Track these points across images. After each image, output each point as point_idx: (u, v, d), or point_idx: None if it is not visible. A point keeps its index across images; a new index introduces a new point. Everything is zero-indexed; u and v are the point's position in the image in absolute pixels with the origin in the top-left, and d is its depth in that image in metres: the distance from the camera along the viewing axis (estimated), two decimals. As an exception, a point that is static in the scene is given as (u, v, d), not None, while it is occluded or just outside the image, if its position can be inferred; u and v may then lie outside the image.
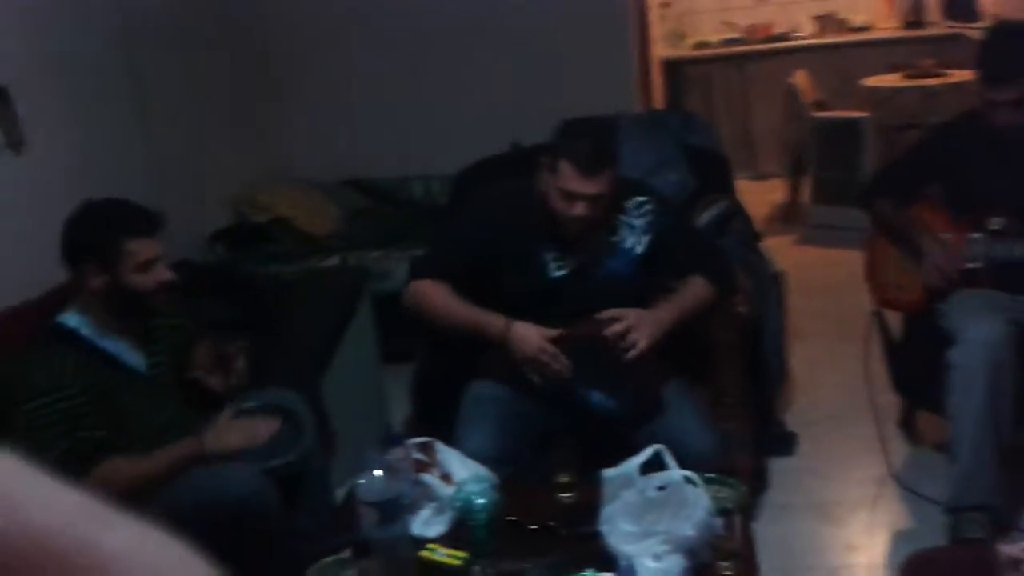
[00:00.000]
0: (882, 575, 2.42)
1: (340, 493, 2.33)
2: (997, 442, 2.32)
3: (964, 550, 1.88)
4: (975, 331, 2.35)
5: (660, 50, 6.16)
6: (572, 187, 2.09)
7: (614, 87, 4.40)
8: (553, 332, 2.11)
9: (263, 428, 2.08)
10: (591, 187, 2.08)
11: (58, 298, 2.16)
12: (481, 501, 1.80)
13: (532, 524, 1.86)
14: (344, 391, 2.81)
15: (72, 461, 1.89)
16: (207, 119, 3.99)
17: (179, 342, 2.27)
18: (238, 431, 2.06)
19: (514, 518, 1.87)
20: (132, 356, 2.10)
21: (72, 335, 2.01)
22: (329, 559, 1.75)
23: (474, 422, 2.18)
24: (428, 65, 4.53)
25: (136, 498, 1.94)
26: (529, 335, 2.10)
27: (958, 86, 5.15)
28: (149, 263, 2.01)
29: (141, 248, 1.99)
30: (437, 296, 2.24)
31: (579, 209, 2.11)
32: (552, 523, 1.86)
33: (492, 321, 2.15)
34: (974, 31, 5.46)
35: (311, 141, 4.68)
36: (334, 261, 3.83)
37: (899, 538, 2.57)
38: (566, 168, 2.08)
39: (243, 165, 4.36)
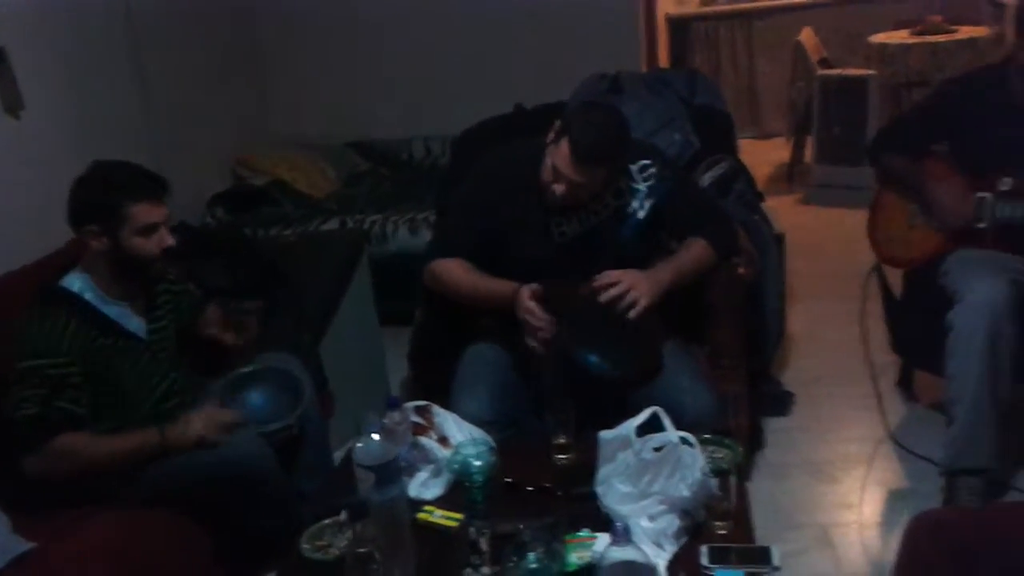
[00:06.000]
0: (875, 533, 2.43)
1: (339, 455, 2.35)
2: (995, 405, 2.31)
3: (974, 515, 1.88)
4: (976, 292, 2.33)
5: (666, 7, 6.08)
6: (561, 166, 2.09)
7: (619, 46, 4.35)
8: (536, 288, 2.10)
9: (226, 417, 2.06)
10: (577, 175, 2.08)
11: (58, 262, 2.16)
12: (478, 463, 1.81)
13: (528, 486, 1.87)
14: (343, 354, 2.82)
15: (36, 427, 1.91)
16: (205, 81, 3.96)
17: (182, 308, 2.28)
18: (199, 422, 2.02)
19: (511, 480, 1.88)
20: (133, 322, 2.11)
21: (74, 299, 2.01)
22: (326, 521, 1.76)
23: (471, 385, 2.18)
24: (428, 24, 4.48)
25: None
26: (521, 295, 2.10)
27: (968, 43, 5.08)
28: (151, 228, 2.01)
29: (143, 212, 1.99)
30: (454, 273, 2.26)
31: (558, 188, 2.12)
32: (548, 485, 1.86)
33: (503, 288, 2.16)
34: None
35: (310, 103, 4.65)
36: (333, 224, 3.82)
37: (894, 497, 2.58)
38: (564, 147, 2.08)
39: (242, 127, 4.34)
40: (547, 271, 2.15)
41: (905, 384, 3.04)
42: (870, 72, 4.95)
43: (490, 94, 3.45)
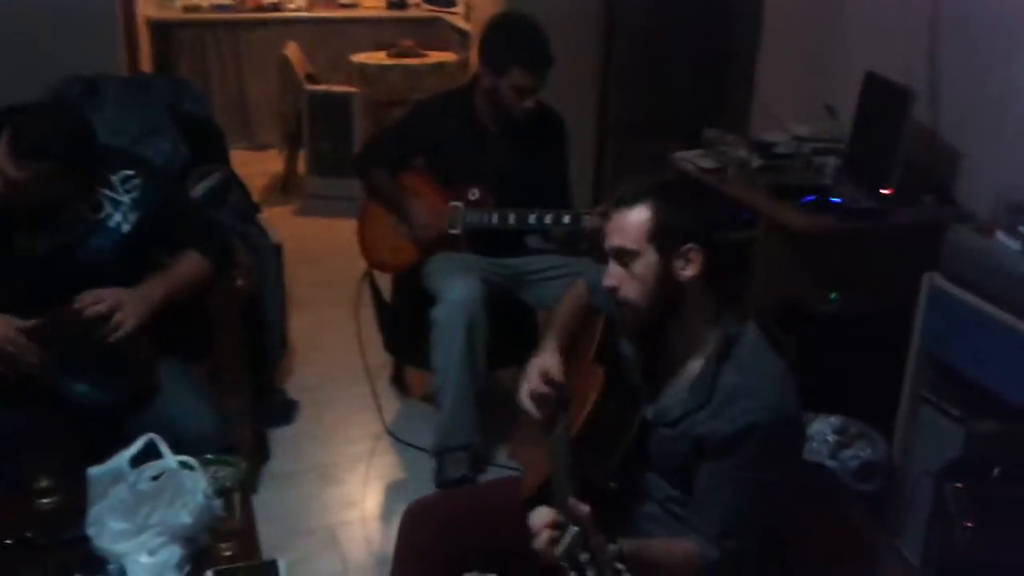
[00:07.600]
0: (378, 527, 2.58)
1: None
2: (474, 388, 2.61)
3: (457, 495, 2.09)
4: (453, 291, 2.60)
5: (147, 9, 5.77)
6: (2, 165, 1.90)
7: (95, 45, 4.02)
8: (27, 323, 1.93)
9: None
10: (16, 171, 1.90)
11: None
12: (-66, 525, 1.56)
13: (6, 539, 1.67)
14: None
15: None
16: None
17: None
18: None
19: (-17, 537, 1.65)
20: None
21: None
22: None
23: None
24: None
25: None
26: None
27: (438, 66, 5.63)
28: None
29: None
30: None
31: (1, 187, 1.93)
32: (30, 534, 1.68)
33: None
34: (452, 15, 5.99)
35: None
36: None
37: (393, 489, 2.76)
38: (4, 145, 1.89)
39: None
40: (8, 291, 1.94)
41: (398, 381, 3.27)
42: (354, 90, 5.23)
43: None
